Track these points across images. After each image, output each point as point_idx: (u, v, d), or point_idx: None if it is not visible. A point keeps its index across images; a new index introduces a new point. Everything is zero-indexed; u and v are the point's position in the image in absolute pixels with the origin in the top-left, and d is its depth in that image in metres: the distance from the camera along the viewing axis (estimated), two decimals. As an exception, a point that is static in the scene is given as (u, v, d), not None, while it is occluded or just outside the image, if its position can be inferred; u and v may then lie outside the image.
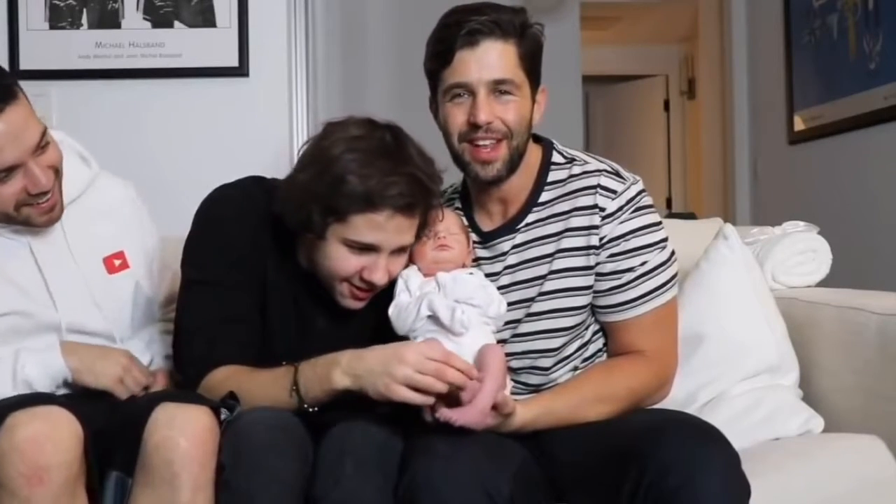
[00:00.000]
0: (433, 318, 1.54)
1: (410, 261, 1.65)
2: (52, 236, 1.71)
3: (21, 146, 1.56)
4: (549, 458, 1.58)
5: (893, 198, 3.22)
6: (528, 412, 1.53)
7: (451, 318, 1.52)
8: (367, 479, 1.43)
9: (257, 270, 1.66)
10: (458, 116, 1.63)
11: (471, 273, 1.62)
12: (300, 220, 1.58)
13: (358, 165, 1.53)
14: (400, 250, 1.61)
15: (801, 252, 2.03)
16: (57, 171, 1.64)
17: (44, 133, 1.60)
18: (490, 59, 1.59)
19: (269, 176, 1.77)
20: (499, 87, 1.61)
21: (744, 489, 1.38)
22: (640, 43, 7.25)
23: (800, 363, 1.88)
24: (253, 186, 1.72)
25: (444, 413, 1.42)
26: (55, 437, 1.37)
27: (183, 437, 1.40)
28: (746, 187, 4.53)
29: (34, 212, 1.63)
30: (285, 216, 1.61)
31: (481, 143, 1.62)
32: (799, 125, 3.94)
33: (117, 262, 1.78)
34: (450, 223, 1.66)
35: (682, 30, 6.80)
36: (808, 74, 3.83)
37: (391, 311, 1.60)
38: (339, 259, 1.58)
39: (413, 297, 1.59)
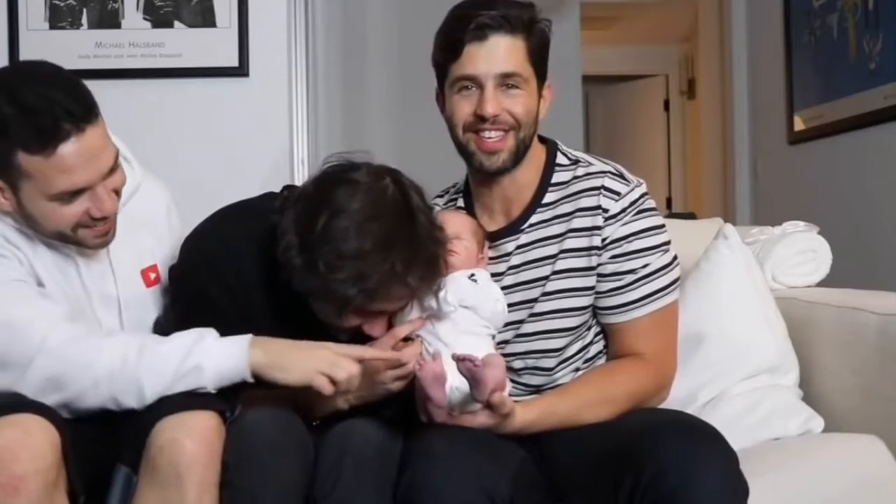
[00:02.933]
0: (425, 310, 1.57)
1: None
2: (97, 251, 1.66)
3: (95, 169, 1.51)
4: (547, 459, 1.58)
5: (893, 198, 3.22)
6: (528, 413, 1.53)
7: (435, 300, 1.54)
8: (366, 479, 1.43)
9: (248, 315, 1.63)
10: (464, 108, 1.63)
11: (471, 275, 1.61)
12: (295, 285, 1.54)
13: (375, 265, 1.47)
14: None
15: (801, 252, 2.03)
16: (118, 194, 1.58)
17: (116, 156, 1.56)
18: (498, 53, 1.60)
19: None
20: (506, 81, 1.61)
21: (742, 489, 1.38)
22: (640, 43, 7.24)
23: (800, 363, 1.88)
24: (232, 227, 1.67)
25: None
26: (30, 445, 1.35)
27: (189, 438, 1.40)
28: (746, 187, 4.53)
29: (90, 234, 1.57)
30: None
31: (487, 134, 1.63)
32: (799, 125, 3.94)
33: (153, 276, 1.74)
34: (459, 228, 1.65)
35: (682, 30, 6.80)
36: (808, 74, 3.83)
37: None
38: (345, 324, 1.58)
39: None
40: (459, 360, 1.44)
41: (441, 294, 1.54)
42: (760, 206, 4.42)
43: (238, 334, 1.54)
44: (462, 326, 1.57)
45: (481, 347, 1.56)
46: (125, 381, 1.46)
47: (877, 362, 1.74)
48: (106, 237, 1.61)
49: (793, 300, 1.96)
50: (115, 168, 1.56)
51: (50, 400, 1.47)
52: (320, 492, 1.44)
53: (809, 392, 1.87)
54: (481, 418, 1.48)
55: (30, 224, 1.57)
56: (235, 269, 1.62)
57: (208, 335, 1.51)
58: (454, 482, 1.37)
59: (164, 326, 1.70)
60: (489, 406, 1.46)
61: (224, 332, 1.54)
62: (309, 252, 1.49)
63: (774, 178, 4.26)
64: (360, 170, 1.56)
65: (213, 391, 1.50)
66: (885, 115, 3.21)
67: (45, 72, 1.55)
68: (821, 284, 2.05)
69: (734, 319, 1.85)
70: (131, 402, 1.47)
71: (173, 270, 1.70)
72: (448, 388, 1.49)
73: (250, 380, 1.50)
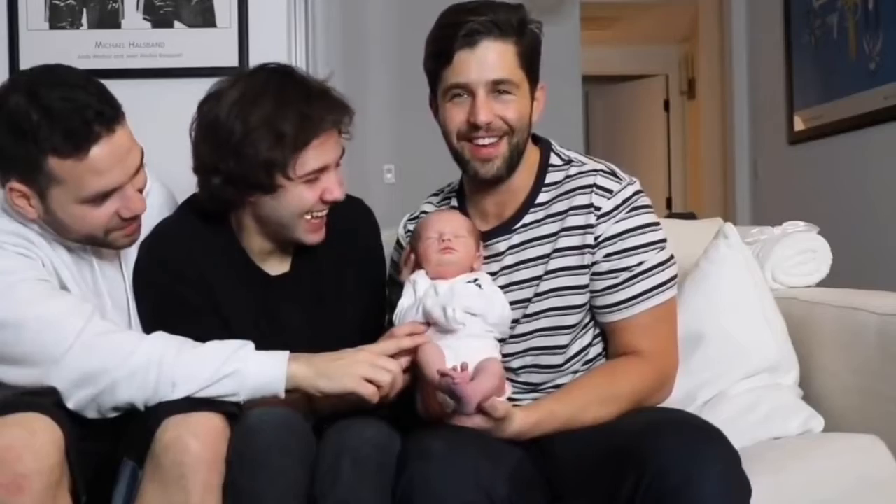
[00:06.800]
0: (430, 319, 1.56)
1: (418, 265, 1.66)
2: (111, 257, 1.67)
3: (125, 169, 1.52)
4: (547, 458, 1.58)
5: (893, 198, 3.22)
6: (529, 417, 1.53)
7: (444, 317, 1.54)
8: (364, 479, 1.43)
9: (216, 305, 1.67)
10: (457, 116, 1.63)
11: (474, 280, 1.61)
12: (242, 188, 1.61)
13: (283, 117, 1.57)
14: (340, 163, 1.67)
15: (801, 252, 2.03)
16: (141, 192, 1.59)
17: (142, 155, 1.57)
18: (489, 60, 1.60)
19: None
20: (498, 87, 1.61)
21: (744, 488, 1.37)
22: (640, 43, 7.25)
23: (800, 363, 1.88)
24: (186, 220, 1.72)
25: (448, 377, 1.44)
26: (33, 445, 1.35)
27: (193, 438, 1.40)
28: (746, 187, 4.54)
29: (119, 235, 1.59)
30: (225, 202, 1.65)
31: (481, 141, 1.62)
32: (799, 125, 3.94)
33: None
34: (456, 226, 1.65)
35: (682, 30, 6.81)
36: (808, 74, 3.84)
37: (395, 312, 1.62)
38: (301, 197, 1.62)
39: (416, 300, 1.60)
40: (441, 374, 1.45)
41: (449, 312, 1.54)
42: (760, 206, 4.43)
43: (209, 327, 1.58)
44: (466, 331, 1.56)
45: (485, 350, 1.56)
46: (160, 378, 1.46)
47: (877, 362, 1.74)
48: (134, 236, 1.62)
49: (793, 300, 1.96)
50: (140, 166, 1.56)
51: (81, 395, 1.47)
52: (319, 491, 1.43)
53: (809, 392, 1.87)
54: (476, 420, 1.48)
55: (56, 229, 1.57)
56: (192, 259, 1.66)
57: (247, 345, 1.52)
58: (452, 482, 1.37)
59: None
60: (481, 411, 1.46)
61: (195, 325, 1.58)
62: (234, 153, 1.57)
63: (774, 178, 4.27)
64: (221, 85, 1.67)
65: (242, 401, 1.49)
66: (884, 115, 3.22)
67: (67, 75, 1.54)
68: (821, 284, 2.05)
69: (734, 319, 1.85)
70: (162, 400, 1.47)
71: (136, 275, 1.70)
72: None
73: (282, 395, 1.50)
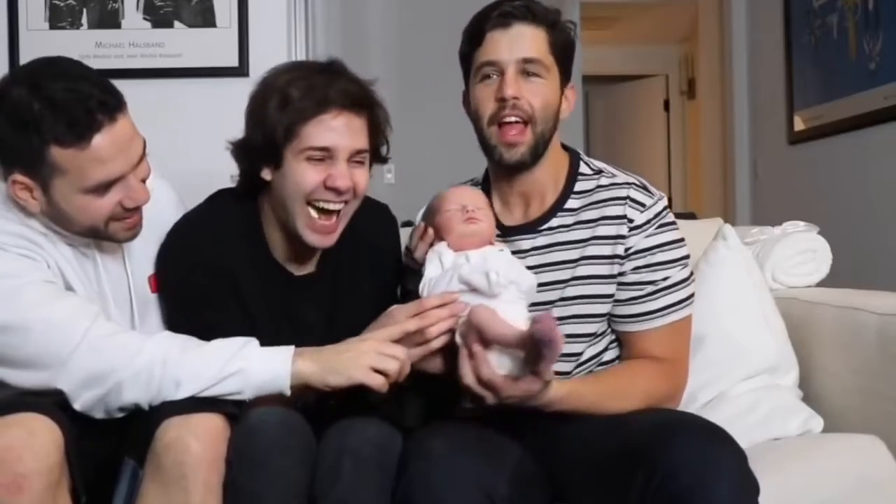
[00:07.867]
0: (467, 288, 1.53)
1: (439, 237, 1.65)
2: (115, 253, 1.67)
3: (128, 159, 1.52)
4: (551, 457, 1.58)
5: (893, 198, 3.22)
6: (560, 388, 1.51)
7: (486, 282, 1.51)
8: (365, 478, 1.43)
9: (238, 298, 1.66)
10: (487, 97, 1.66)
11: (501, 251, 1.61)
12: (256, 159, 1.62)
13: (295, 84, 1.60)
14: (358, 158, 1.62)
15: (801, 252, 2.03)
16: (144, 183, 1.58)
17: (144, 145, 1.57)
18: (521, 40, 1.64)
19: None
20: (527, 67, 1.64)
21: (753, 487, 1.38)
22: (640, 43, 7.25)
23: (799, 363, 1.88)
24: (211, 213, 1.72)
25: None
26: (33, 445, 1.35)
27: (194, 438, 1.40)
28: (746, 187, 4.54)
29: (121, 227, 1.58)
30: (246, 177, 1.67)
31: (507, 120, 1.64)
32: (799, 125, 3.94)
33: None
34: (477, 199, 1.67)
35: (682, 30, 6.81)
36: (808, 74, 3.84)
37: (421, 285, 1.59)
38: (301, 174, 1.59)
39: (444, 270, 1.58)
40: (537, 321, 1.39)
41: (493, 277, 1.51)
42: (760, 206, 4.43)
43: (231, 318, 1.57)
44: (503, 297, 1.53)
45: (525, 315, 1.52)
46: (164, 377, 1.46)
47: (877, 362, 1.74)
48: (135, 229, 1.61)
49: (793, 300, 1.96)
50: (143, 157, 1.56)
51: (87, 396, 1.47)
52: (320, 491, 1.43)
53: (809, 392, 1.87)
54: (524, 385, 1.44)
55: (59, 222, 1.56)
56: (218, 252, 1.64)
57: (251, 343, 1.51)
58: (453, 483, 1.37)
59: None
60: (535, 372, 1.43)
61: (217, 316, 1.58)
62: (251, 118, 1.63)
63: (774, 178, 4.27)
64: None
65: (249, 399, 1.49)
66: (884, 115, 3.22)
67: (68, 66, 1.54)
68: (821, 284, 2.05)
69: (734, 320, 1.85)
70: (166, 399, 1.47)
71: (160, 265, 1.69)
72: (495, 355, 1.45)
73: (287, 392, 1.49)
